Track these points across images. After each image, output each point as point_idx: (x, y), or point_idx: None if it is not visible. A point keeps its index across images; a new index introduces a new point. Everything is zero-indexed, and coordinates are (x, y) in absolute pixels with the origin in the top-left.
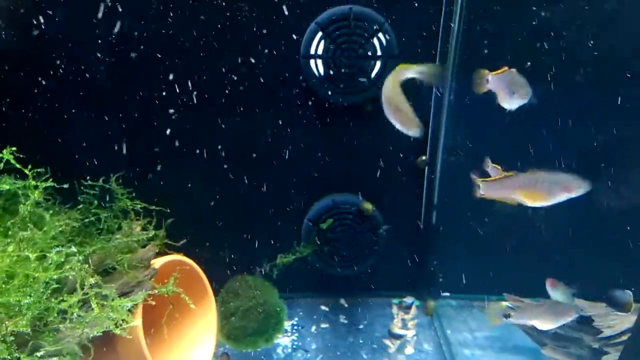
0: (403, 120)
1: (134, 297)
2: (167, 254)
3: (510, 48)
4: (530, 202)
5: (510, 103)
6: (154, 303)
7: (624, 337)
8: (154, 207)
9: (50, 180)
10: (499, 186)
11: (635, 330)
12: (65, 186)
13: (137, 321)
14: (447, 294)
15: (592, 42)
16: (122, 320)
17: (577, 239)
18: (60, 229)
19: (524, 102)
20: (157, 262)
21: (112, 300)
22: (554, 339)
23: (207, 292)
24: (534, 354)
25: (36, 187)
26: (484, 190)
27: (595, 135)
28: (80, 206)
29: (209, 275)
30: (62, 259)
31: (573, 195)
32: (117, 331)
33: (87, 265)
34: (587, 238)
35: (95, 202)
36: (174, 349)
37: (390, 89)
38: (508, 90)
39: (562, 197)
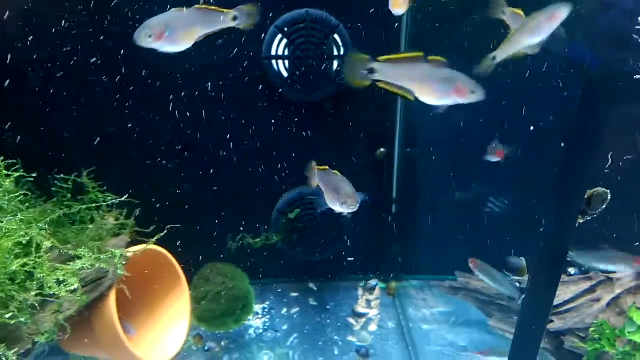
0: None
1: (79, 262)
2: (141, 243)
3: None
4: (421, 97)
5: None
6: (124, 286)
7: (566, 307)
8: (124, 199)
9: (22, 171)
10: (396, 70)
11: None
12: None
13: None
14: (408, 275)
15: None
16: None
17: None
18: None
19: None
20: (130, 251)
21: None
22: (501, 311)
23: (180, 278)
24: (482, 325)
25: (7, 175)
26: (380, 73)
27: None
28: (54, 199)
29: (183, 263)
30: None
31: (464, 100)
32: (54, 290)
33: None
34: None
35: (69, 195)
36: (150, 331)
37: None
38: None
39: (452, 99)
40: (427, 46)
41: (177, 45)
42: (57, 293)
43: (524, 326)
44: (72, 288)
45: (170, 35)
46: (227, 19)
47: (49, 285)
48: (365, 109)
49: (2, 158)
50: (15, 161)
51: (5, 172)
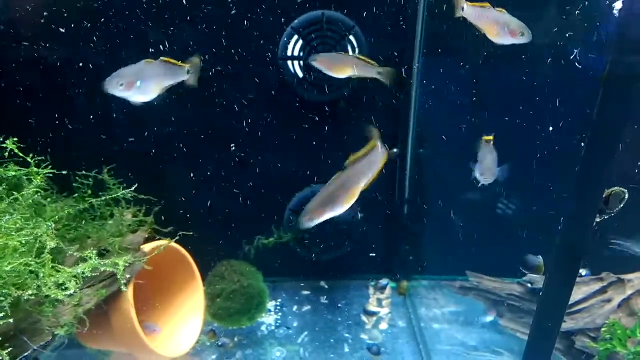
0: None
1: (80, 266)
2: (157, 240)
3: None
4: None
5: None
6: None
7: (577, 307)
8: (143, 196)
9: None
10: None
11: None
12: (64, 172)
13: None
14: (419, 275)
15: None
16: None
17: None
18: (58, 215)
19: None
20: (147, 247)
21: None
22: (511, 311)
23: (195, 275)
24: (493, 324)
25: (38, 173)
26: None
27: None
28: (76, 195)
29: (198, 260)
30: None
31: (517, 41)
32: (53, 293)
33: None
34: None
35: (89, 191)
36: (165, 326)
37: None
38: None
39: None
40: (443, 44)
41: (146, 95)
42: (54, 295)
43: (539, 324)
44: (69, 293)
45: (141, 86)
46: (184, 73)
47: (48, 286)
48: (379, 110)
49: (32, 155)
50: (44, 158)
51: (35, 169)
